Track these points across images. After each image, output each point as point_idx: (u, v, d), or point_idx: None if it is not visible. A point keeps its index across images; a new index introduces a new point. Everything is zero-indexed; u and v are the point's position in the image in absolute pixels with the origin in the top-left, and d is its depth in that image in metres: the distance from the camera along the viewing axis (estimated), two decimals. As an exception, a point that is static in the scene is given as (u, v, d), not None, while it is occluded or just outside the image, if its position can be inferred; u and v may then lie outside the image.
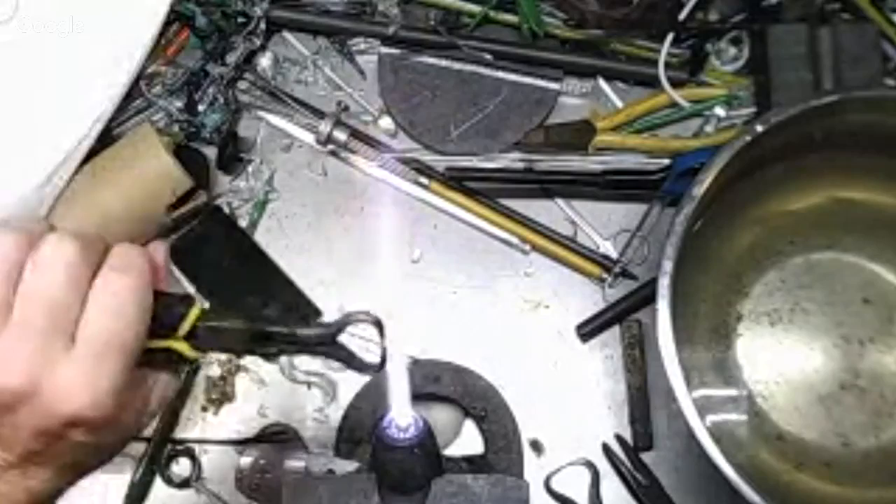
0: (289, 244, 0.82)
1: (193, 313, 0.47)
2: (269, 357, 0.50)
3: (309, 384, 0.78)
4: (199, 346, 0.48)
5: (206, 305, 0.49)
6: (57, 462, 0.45)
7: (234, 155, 0.82)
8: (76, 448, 0.44)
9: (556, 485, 0.76)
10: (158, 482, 0.77)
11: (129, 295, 0.44)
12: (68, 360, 0.42)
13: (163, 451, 0.77)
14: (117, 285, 0.43)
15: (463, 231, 0.82)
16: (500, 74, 0.84)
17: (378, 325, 0.50)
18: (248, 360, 0.79)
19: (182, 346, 0.48)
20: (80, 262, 0.43)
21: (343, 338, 0.50)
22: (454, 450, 0.76)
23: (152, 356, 0.47)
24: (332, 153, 0.84)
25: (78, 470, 0.47)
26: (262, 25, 0.83)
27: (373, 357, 0.51)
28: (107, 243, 0.46)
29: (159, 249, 0.49)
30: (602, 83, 0.85)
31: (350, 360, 0.50)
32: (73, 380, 0.42)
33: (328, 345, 0.50)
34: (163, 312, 0.47)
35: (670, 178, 0.78)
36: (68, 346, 0.42)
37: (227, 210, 0.83)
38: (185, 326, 0.47)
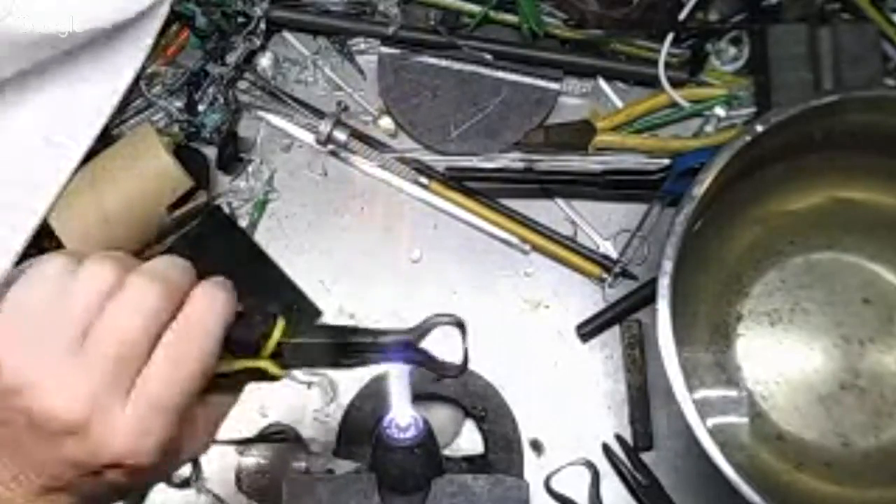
0: (289, 244, 0.82)
1: (278, 331, 0.46)
2: (350, 367, 0.49)
3: (309, 384, 0.78)
4: (286, 363, 0.46)
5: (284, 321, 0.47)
6: (84, 493, 0.44)
7: (234, 155, 0.82)
8: (109, 485, 0.44)
9: (556, 485, 0.76)
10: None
11: (196, 351, 0.43)
12: (125, 406, 0.41)
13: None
14: (186, 342, 0.43)
15: (463, 231, 0.82)
16: (500, 74, 0.84)
17: (460, 326, 0.49)
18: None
19: (268, 366, 0.46)
20: (160, 309, 0.42)
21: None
22: (454, 450, 0.76)
23: (227, 378, 0.45)
24: (332, 153, 0.84)
25: (101, 501, 0.46)
26: (262, 25, 0.83)
27: (454, 358, 0.49)
28: (190, 284, 0.44)
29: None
30: (602, 83, 0.85)
31: (432, 364, 0.49)
32: (125, 426, 0.41)
33: (409, 350, 0.48)
34: (243, 332, 0.45)
35: (670, 178, 0.78)
36: (129, 391, 0.41)
37: (227, 210, 0.83)
38: (270, 346, 0.45)
